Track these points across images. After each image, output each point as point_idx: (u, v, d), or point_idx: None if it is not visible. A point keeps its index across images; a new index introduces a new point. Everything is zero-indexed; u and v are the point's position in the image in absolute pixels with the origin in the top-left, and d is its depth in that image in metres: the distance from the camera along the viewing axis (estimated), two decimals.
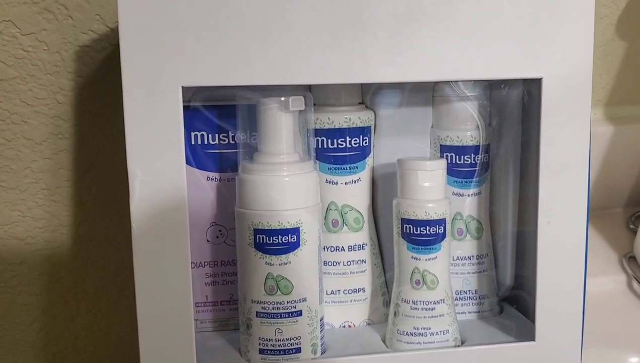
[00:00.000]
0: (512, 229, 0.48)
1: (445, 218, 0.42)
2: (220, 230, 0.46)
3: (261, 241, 0.40)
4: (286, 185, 0.40)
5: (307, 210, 0.41)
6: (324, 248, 0.46)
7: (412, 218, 0.42)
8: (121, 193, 0.53)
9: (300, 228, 0.41)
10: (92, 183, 0.52)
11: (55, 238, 0.52)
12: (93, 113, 0.51)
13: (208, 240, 0.46)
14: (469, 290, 0.48)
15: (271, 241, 0.40)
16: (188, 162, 0.44)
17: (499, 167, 0.48)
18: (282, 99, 0.40)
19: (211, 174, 0.45)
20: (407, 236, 0.43)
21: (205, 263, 0.46)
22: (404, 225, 0.43)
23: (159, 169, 0.38)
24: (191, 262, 0.44)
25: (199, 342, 0.42)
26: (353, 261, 0.47)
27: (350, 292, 0.47)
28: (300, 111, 0.45)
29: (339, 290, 0.47)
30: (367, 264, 0.47)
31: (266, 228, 0.40)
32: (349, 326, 0.47)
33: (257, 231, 0.40)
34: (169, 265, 0.39)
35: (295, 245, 0.41)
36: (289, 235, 0.40)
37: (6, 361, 0.53)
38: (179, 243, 0.39)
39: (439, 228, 0.42)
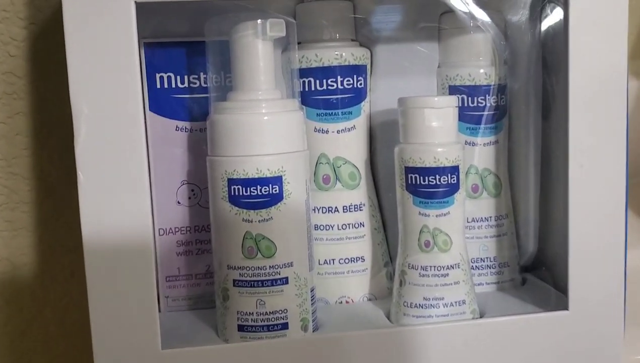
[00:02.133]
0: (535, 185, 0.43)
1: (458, 166, 0.36)
2: (192, 190, 0.40)
3: (237, 193, 0.34)
4: (265, 124, 0.34)
5: (291, 156, 0.35)
6: (314, 210, 0.40)
7: (419, 166, 0.36)
8: None
9: (283, 178, 0.34)
10: (55, 152, 0.47)
11: (16, 217, 0.47)
12: (51, 68, 0.45)
13: (179, 202, 0.40)
14: (487, 258, 0.42)
15: (249, 193, 0.34)
16: (153, 109, 0.39)
17: (517, 112, 0.42)
18: (259, 21, 0.34)
19: (180, 123, 0.40)
20: (412, 188, 0.36)
21: (176, 230, 0.41)
22: (409, 176, 0.36)
23: (109, 102, 0.32)
24: (159, 229, 0.40)
25: (168, 322, 0.37)
26: (349, 224, 0.41)
27: (347, 261, 0.41)
28: (283, 50, 0.40)
29: (333, 260, 0.41)
30: (365, 228, 0.41)
31: (242, 177, 0.34)
32: (347, 302, 0.41)
33: (231, 181, 0.34)
34: (125, 227, 0.33)
35: (277, 198, 0.34)
36: (270, 186, 0.34)
37: None
38: (138, 200, 0.33)
39: (451, 178, 0.36)
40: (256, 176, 0.34)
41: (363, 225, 0.41)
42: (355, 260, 0.41)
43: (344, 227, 0.40)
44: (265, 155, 0.34)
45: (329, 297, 0.41)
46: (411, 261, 0.37)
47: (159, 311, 0.35)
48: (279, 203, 0.35)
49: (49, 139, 0.46)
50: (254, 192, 0.34)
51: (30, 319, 0.48)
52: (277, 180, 0.34)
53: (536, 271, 0.44)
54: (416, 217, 0.37)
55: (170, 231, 0.40)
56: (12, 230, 0.47)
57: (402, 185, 0.37)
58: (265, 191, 0.34)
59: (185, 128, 0.40)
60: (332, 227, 0.40)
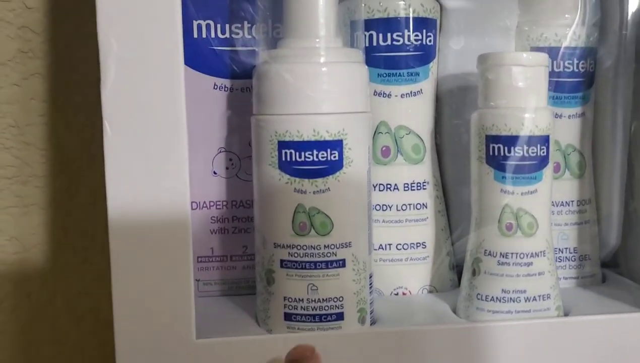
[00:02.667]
0: (621, 169, 0.38)
1: (548, 135, 0.31)
2: (230, 159, 0.36)
3: (288, 159, 0.30)
4: (324, 77, 0.30)
5: (354, 117, 0.30)
6: None
7: (503, 134, 0.31)
8: None
9: (344, 142, 0.30)
10: (73, 121, 0.44)
11: (27, 192, 0.44)
12: (72, 24, 0.42)
13: (215, 173, 0.37)
14: (566, 248, 0.37)
15: (302, 158, 0.29)
16: (188, 63, 0.34)
17: (604, 82, 0.37)
18: None
19: (219, 81, 0.36)
20: (494, 160, 0.31)
21: (211, 204, 0.37)
22: (490, 146, 0.31)
23: (143, 38, 0.27)
24: (192, 202, 0.36)
25: (200, 308, 0.32)
26: (410, 205, 0.36)
27: (406, 247, 0.36)
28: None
29: (389, 245, 0.36)
30: (428, 210, 0.36)
31: (296, 139, 0.29)
32: (404, 294, 0.36)
33: (282, 145, 0.30)
34: (157, 196, 0.28)
35: (336, 166, 0.30)
36: (328, 151, 0.29)
37: None
38: (174, 166, 0.28)
39: (540, 149, 0.31)
40: (312, 139, 0.29)
41: (426, 207, 0.36)
42: (415, 246, 0.36)
43: (404, 207, 0.36)
44: (324, 114, 0.29)
45: (383, 287, 0.36)
46: (488, 247, 0.32)
47: None
48: (338, 173, 0.30)
49: (67, 106, 0.43)
50: (309, 158, 0.29)
51: (40, 307, 0.45)
52: (337, 144, 0.29)
53: (615, 268, 0.39)
54: (497, 194, 0.31)
55: (204, 205, 0.36)
56: (22, 206, 0.43)
57: (480, 157, 0.32)
58: (322, 157, 0.29)
59: (225, 86, 0.35)
60: (391, 207, 0.36)
